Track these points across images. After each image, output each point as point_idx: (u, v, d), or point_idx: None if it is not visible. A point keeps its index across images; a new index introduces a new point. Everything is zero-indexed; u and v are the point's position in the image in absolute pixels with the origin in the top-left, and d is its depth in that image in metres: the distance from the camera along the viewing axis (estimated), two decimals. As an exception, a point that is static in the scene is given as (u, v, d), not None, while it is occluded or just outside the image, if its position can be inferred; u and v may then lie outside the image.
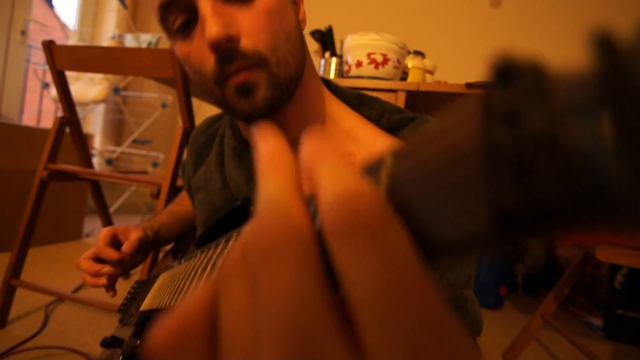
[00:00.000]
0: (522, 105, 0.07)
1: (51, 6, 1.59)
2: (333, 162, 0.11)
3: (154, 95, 1.99)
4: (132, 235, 0.54)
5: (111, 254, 0.52)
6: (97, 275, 0.52)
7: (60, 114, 1.07)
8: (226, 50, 0.35)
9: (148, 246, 0.58)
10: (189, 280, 0.32)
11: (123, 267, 0.55)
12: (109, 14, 1.93)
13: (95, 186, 1.22)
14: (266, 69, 0.37)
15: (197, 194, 0.57)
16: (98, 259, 0.54)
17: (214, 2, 0.35)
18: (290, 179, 0.11)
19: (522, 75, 0.07)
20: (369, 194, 0.09)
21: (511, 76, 0.08)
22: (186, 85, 0.95)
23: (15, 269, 0.96)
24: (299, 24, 0.43)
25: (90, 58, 0.95)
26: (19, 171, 1.42)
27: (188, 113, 0.99)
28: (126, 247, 0.52)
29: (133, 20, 1.98)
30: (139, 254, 0.57)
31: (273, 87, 0.38)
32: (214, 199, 0.53)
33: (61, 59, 0.97)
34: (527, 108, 0.07)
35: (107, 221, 1.31)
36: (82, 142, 1.12)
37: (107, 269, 0.52)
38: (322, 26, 1.32)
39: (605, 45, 0.06)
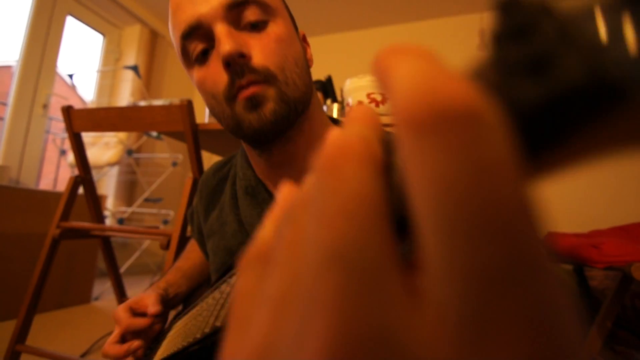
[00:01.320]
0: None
1: (72, 81, 1.73)
2: (408, 55, 0.08)
3: (165, 155, 2.07)
4: (149, 298, 0.51)
5: (141, 322, 0.48)
6: (130, 353, 0.47)
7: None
8: (238, 64, 0.38)
9: (167, 304, 0.55)
10: (206, 316, 0.30)
11: (153, 333, 0.52)
12: (124, 84, 2.08)
13: (106, 244, 1.22)
14: (275, 84, 0.39)
15: (209, 240, 0.56)
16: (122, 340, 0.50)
17: (228, 28, 0.39)
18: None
19: None
20: (456, 76, 0.07)
21: None
22: (196, 137, 0.99)
23: (21, 333, 0.93)
24: (306, 58, 0.47)
25: (106, 118, 1.01)
26: (32, 235, 1.44)
27: (198, 163, 1.01)
28: (152, 309, 0.48)
29: (147, 88, 2.13)
30: (163, 314, 0.54)
31: (281, 102, 0.40)
32: (229, 243, 0.51)
33: (78, 121, 1.03)
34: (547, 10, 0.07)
35: (118, 282, 1.28)
36: (95, 199, 1.14)
37: (136, 344, 0.49)
38: (322, 76, 1.40)
39: None
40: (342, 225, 0.08)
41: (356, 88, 1.04)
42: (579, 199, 1.69)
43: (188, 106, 0.94)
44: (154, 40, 2.25)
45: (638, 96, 0.06)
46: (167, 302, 0.55)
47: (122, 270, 1.55)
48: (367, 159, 0.09)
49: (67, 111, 1.03)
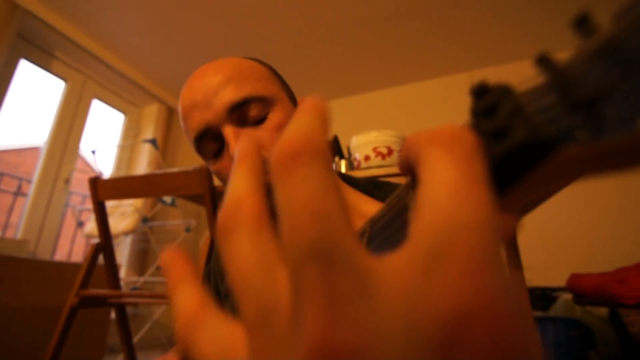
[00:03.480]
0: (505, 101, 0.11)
1: (93, 157, 1.84)
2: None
3: (178, 222, 2.11)
4: None
5: None
6: None
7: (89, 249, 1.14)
8: None
9: None
10: None
11: None
12: (141, 157, 2.21)
13: (121, 313, 1.20)
14: None
15: (227, 300, 0.56)
16: None
17: (234, 129, 0.45)
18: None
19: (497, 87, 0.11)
20: None
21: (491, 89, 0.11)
22: (213, 198, 1.03)
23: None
24: None
25: (130, 186, 1.07)
26: (47, 308, 1.42)
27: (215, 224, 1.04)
28: None
29: (163, 158, 2.26)
30: None
31: None
32: None
33: (104, 190, 1.09)
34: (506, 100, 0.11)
35: (131, 355, 1.23)
36: (114, 267, 1.16)
37: None
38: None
39: (545, 62, 0.10)
40: (312, 226, 0.09)
41: (363, 143, 1.10)
42: (603, 239, 1.65)
43: (206, 170, 1.00)
44: (170, 116, 2.44)
45: (562, 147, 0.09)
46: None
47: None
48: (317, 156, 0.10)
49: (94, 182, 1.09)
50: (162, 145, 2.29)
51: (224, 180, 0.48)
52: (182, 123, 0.50)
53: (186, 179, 1.03)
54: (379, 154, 1.06)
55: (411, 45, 1.98)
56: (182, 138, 2.53)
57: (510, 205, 0.11)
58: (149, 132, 2.25)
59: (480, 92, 0.11)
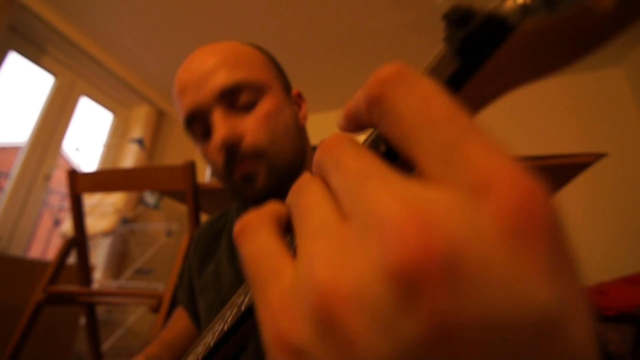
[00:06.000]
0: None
1: (75, 155, 1.80)
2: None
3: (160, 226, 2.06)
4: None
5: None
6: None
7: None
8: (230, 149, 0.44)
9: None
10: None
11: None
12: (127, 156, 2.17)
13: (91, 313, 1.14)
14: (265, 158, 0.45)
15: (202, 296, 0.55)
16: None
17: (222, 113, 0.45)
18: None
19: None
20: None
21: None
22: (196, 196, 1.01)
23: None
24: (298, 121, 0.52)
25: (110, 179, 1.04)
26: (15, 306, 1.34)
27: (197, 223, 1.02)
28: None
29: (150, 158, 2.22)
30: None
31: (272, 174, 0.46)
32: (226, 296, 0.51)
33: (82, 183, 1.06)
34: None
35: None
36: (86, 264, 1.11)
37: None
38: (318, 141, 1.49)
39: None
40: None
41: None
42: (584, 254, 1.67)
43: (191, 166, 0.98)
44: (160, 119, 2.42)
45: (520, 24, 0.10)
46: None
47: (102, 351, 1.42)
48: (264, 223, 0.13)
49: (73, 174, 1.06)
50: (150, 148, 2.26)
51: (210, 163, 0.48)
52: (175, 101, 0.50)
53: (169, 174, 1.01)
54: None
55: (414, 60, 2.03)
56: (170, 142, 2.49)
57: (472, 96, 0.11)
58: (137, 134, 2.22)
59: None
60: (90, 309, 1.13)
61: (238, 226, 0.14)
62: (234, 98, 0.45)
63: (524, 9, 0.10)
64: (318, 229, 0.10)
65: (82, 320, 1.38)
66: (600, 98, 1.93)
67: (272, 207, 0.14)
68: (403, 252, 0.08)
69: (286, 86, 0.53)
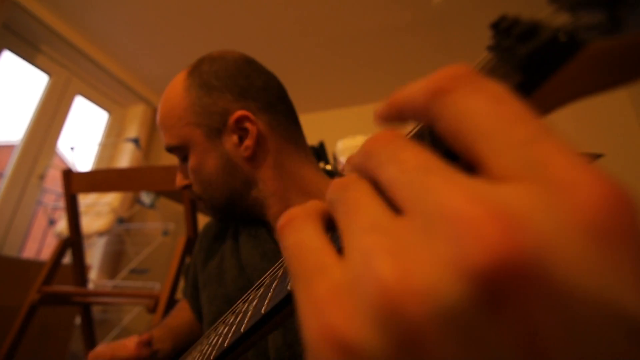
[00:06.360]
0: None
1: (71, 155, 1.79)
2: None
3: (156, 225, 2.05)
4: (131, 339, 0.50)
5: (125, 349, 0.48)
6: None
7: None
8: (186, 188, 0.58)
9: (152, 356, 0.52)
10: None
11: None
12: (123, 157, 2.16)
13: (87, 313, 1.14)
14: (204, 201, 0.55)
15: (205, 290, 0.56)
16: None
17: (180, 162, 0.56)
18: None
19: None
20: None
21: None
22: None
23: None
24: (230, 159, 0.50)
25: (106, 179, 1.03)
26: (8, 308, 1.33)
27: (193, 223, 1.01)
28: (136, 344, 0.49)
29: (146, 158, 2.21)
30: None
31: (214, 210, 0.55)
32: (228, 290, 0.51)
33: (77, 183, 1.05)
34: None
35: None
36: (82, 264, 1.10)
37: None
38: (315, 141, 1.49)
39: None
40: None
41: (348, 148, 1.11)
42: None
43: (187, 165, 0.98)
44: (155, 118, 2.40)
45: (586, 44, 0.10)
46: (152, 354, 0.51)
47: (98, 349, 1.41)
48: (309, 218, 0.14)
49: (68, 174, 1.05)
50: (146, 148, 2.25)
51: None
52: None
53: (165, 174, 1.01)
54: (363, 159, 1.06)
55: (409, 61, 2.03)
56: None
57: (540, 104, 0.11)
58: (132, 133, 2.20)
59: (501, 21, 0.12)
60: (85, 309, 1.12)
61: (284, 219, 0.14)
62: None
63: (592, 28, 0.09)
64: (370, 224, 0.10)
65: (78, 320, 1.37)
66: (597, 98, 1.95)
67: (316, 204, 0.14)
68: (485, 251, 0.07)
69: (213, 124, 0.50)
